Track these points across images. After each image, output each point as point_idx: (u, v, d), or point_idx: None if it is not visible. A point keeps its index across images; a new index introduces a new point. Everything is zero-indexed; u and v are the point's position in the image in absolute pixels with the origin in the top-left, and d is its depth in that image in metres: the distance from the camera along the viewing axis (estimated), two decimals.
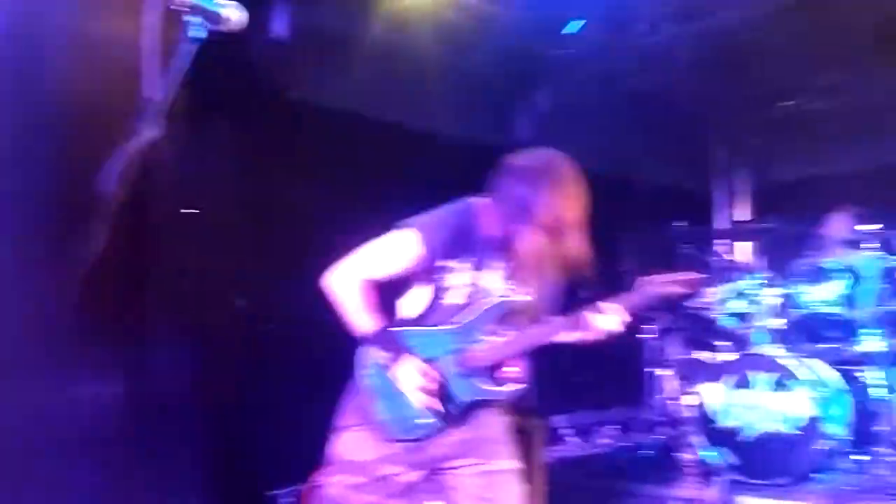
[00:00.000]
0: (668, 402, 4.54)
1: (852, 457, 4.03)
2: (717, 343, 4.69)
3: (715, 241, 4.87)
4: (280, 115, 3.78)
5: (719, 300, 4.54)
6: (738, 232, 5.77)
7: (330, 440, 2.16)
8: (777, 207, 5.58)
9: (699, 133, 6.64)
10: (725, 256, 4.72)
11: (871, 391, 4.05)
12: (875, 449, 3.93)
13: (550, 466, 3.43)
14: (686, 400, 4.17)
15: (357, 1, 4.10)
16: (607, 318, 2.04)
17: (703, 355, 4.56)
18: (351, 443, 2.12)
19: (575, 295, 2.20)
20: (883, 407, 3.93)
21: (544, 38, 4.97)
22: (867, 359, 4.20)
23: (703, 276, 2.12)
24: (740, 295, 4.51)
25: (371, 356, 2.12)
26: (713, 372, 4.10)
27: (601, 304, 2.05)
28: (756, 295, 4.38)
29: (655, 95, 5.68)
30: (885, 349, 4.14)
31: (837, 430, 3.87)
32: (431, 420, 2.05)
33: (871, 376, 4.10)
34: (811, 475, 3.86)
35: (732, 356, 4.25)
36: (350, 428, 2.14)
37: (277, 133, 3.77)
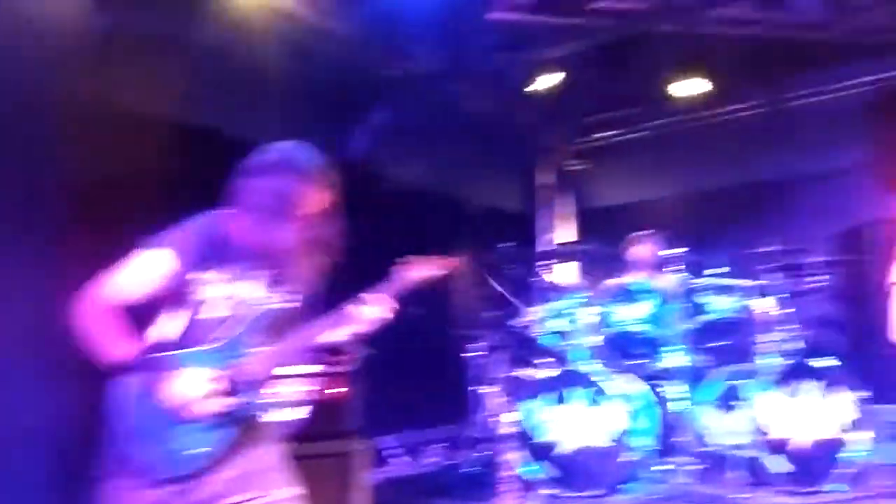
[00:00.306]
0: (491, 419, 4.65)
1: (658, 467, 4.34)
2: (537, 360, 4.89)
3: (537, 262, 5.07)
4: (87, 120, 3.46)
5: (540, 319, 4.73)
6: (559, 253, 6.05)
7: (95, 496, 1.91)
8: (596, 230, 5.91)
9: (525, 156, 6.95)
10: (547, 277, 4.93)
11: (674, 404, 4.36)
12: (677, 459, 4.25)
13: (376, 488, 3.39)
14: (507, 417, 4.28)
15: (190, 6, 3.91)
16: (372, 308, 2.04)
17: (525, 373, 4.71)
18: (115, 495, 1.89)
19: (341, 290, 2.16)
20: (684, 419, 4.24)
21: (379, 58, 5.00)
22: (671, 374, 4.53)
23: (460, 258, 2.18)
24: (560, 314, 4.73)
25: (129, 387, 1.90)
26: (533, 389, 4.24)
27: (363, 296, 2.05)
28: (574, 314, 4.60)
29: (485, 119, 5.88)
30: (688, 364, 4.49)
31: (646, 441, 4.13)
32: (204, 449, 1.88)
33: (675, 390, 4.42)
34: (621, 486, 4.09)
35: (551, 373, 4.42)
36: (112, 477, 1.90)
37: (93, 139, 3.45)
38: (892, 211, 5.24)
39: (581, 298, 4.80)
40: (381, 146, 5.11)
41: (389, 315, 2.08)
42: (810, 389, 3.98)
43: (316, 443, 2.77)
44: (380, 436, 4.57)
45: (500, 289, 4.91)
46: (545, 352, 4.81)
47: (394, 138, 5.11)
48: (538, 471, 4.09)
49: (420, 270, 2.13)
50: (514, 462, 4.11)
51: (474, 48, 5.03)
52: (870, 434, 3.89)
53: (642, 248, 5.38)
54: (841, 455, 3.86)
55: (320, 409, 2.85)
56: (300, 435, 2.28)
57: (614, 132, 6.64)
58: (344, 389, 2.02)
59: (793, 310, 4.40)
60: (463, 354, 4.99)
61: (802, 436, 3.89)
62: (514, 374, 4.68)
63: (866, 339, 5.36)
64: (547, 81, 5.84)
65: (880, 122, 5.47)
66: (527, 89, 5.81)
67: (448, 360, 5.02)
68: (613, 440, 4.03)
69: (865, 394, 3.98)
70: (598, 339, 4.59)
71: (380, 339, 2.26)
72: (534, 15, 4.78)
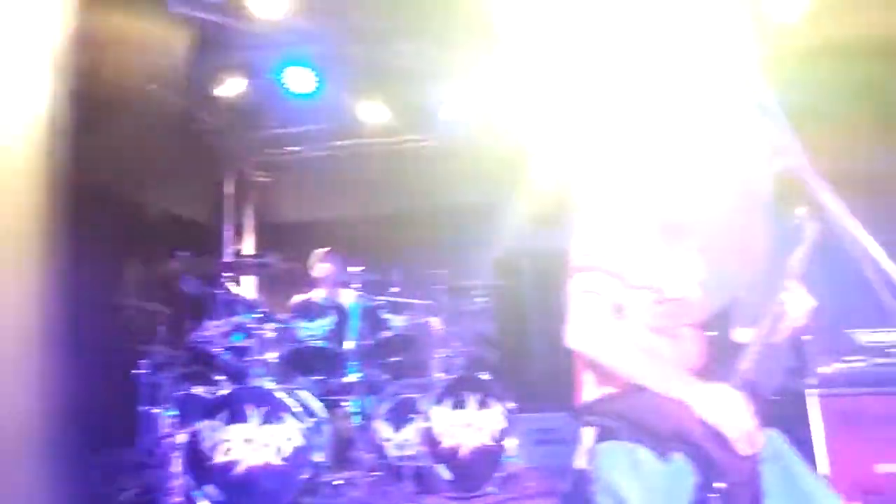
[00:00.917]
0: (162, 440, 4.31)
1: (333, 481, 4.38)
2: (215, 377, 4.66)
3: (219, 275, 4.85)
4: None
5: (220, 334, 4.53)
6: (241, 266, 5.86)
7: None
8: (280, 244, 5.83)
9: (212, 165, 6.65)
10: (229, 290, 4.73)
11: (351, 419, 4.46)
12: (353, 472, 4.34)
13: None
14: (179, 438, 3.99)
15: None
16: None
17: (201, 390, 4.45)
18: None
19: None
20: (360, 433, 4.35)
21: None
22: (348, 389, 4.63)
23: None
24: (240, 328, 4.58)
25: None
26: (210, 407, 4.02)
27: None
28: (255, 329, 4.48)
29: (173, 121, 5.53)
30: (364, 379, 4.63)
31: (321, 457, 4.14)
32: None
33: (352, 405, 4.52)
34: (300, 501, 4.05)
35: (229, 390, 4.24)
36: None
37: None
38: (541, 243, 5.99)
39: (260, 313, 4.71)
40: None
41: None
42: (471, 401, 4.34)
43: None
44: None
45: (177, 301, 4.60)
46: (223, 368, 4.60)
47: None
48: (210, 494, 3.86)
49: None
50: (185, 485, 3.84)
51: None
52: (516, 441, 4.36)
53: (324, 266, 5.46)
54: (498, 460, 4.27)
55: None
56: None
57: (298, 148, 6.66)
58: None
59: (453, 329, 4.81)
60: (134, 371, 4.57)
61: (466, 444, 4.23)
62: (190, 391, 4.39)
63: (517, 355, 6.04)
64: (232, 87, 5.68)
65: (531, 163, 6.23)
66: (214, 93, 5.59)
67: (117, 379, 4.56)
68: (289, 458, 3.98)
69: (512, 404, 4.46)
70: (277, 355, 4.51)
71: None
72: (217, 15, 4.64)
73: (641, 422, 1.84)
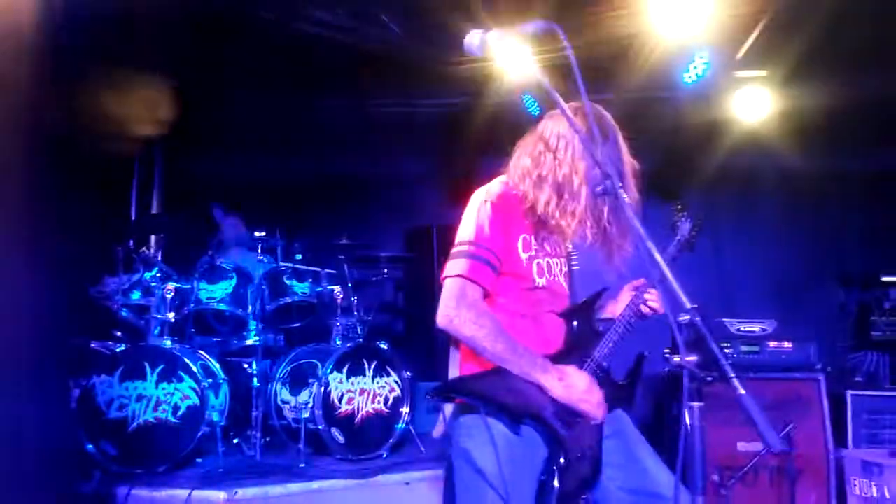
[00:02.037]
0: None
1: (230, 441, 4.46)
2: (116, 333, 4.65)
3: (125, 232, 4.79)
4: None
5: (122, 291, 4.50)
6: (146, 224, 5.77)
7: None
8: (187, 204, 5.76)
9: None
10: (131, 247, 4.69)
11: (250, 380, 4.52)
12: (248, 433, 4.43)
13: None
14: (74, 392, 3.98)
15: None
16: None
17: (101, 344, 4.42)
18: None
19: None
20: (258, 395, 4.43)
21: None
22: (249, 351, 4.69)
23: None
24: (140, 286, 4.56)
25: None
26: (108, 363, 4.01)
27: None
28: (155, 287, 4.47)
29: None
30: (265, 343, 4.70)
31: (217, 416, 4.20)
32: None
33: (251, 367, 4.58)
34: (195, 460, 4.11)
35: (126, 347, 4.23)
36: None
37: None
38: (449, 218, 6.14)
39: (162, 272, 4.70)
40: None
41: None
42: (369, 369, 4.48)
43: None
44: None
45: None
46: (123, 325, 4.59)
47: None
48: (104, 449, 3.87)
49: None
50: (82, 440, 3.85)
51: None
52: (408, 408, 4.52)
53: (230, 228, 5.46)
54: (392, 426, 4.43)
55: None
56: None
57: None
58: None
59: (356, 298, 4.90)
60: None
61: (361, 410, 4.37)
62: (91, 346, 4.36)
63: (421, 325, 6.21)
64: None
65: (444, 140, 6.34)
66: None
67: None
68: (183, 416, 4.03)
69: (408, 373, 4.62)
70: (177, 315, 4.52)
71: None
72: None
73: (498, 399, 2.02)
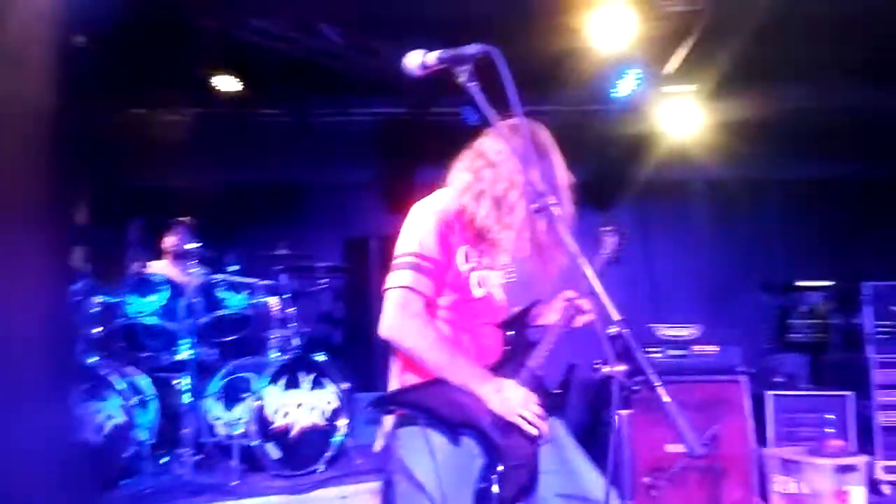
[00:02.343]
0: None
1: (159, 459, 4.35)
2: None
3: None
4: None
5: None
6: (75, 237, 5.58)
7: None
8: (117, 213, 5.58)
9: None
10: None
11: (181, 397, 4.42)
12: (180, 451, 4.33)
13: None
14: None
15: None
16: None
17: None
18: None
19: None
20: (190, 411, 4.34)
21: None
22: (180, 366, 4.58)
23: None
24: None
25: None
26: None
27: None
28: (80, 301, 4.33)
29: None
30: (197, 357, 4.59)
31: (145, 435, 4.10)
32: None
33: (182, 383, 4.47)
34: (119, 482, 4.00)
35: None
36: None
37: None
38: (389, 228, 6.14)
39: (87, 285, 4.55)
40: None
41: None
42: (305, 381, 4.44)
43: None
44: None
45: None
46: None
47: None
48: None
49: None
50: None
51: None
52: (346, 420, 4.50)
53: (166, 239, 5.32)
54: (329, 439, 4.40)
55: None
56: None
57: (143, 111, 6.35)
58: None
59: (294, 309, 4.86)
60: None
61: (298, 424, 4.33)
62: None
63: (359, 336, 6.20)
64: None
65: (383, 150, 6.35)
66: None
67: None
68: (109, 435, 3.92)
69: (346, 385, 4.60)
70: (102, 330, 4.39)
71: None
72: None
73: (436, 410, 2.05)
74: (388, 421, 2.17)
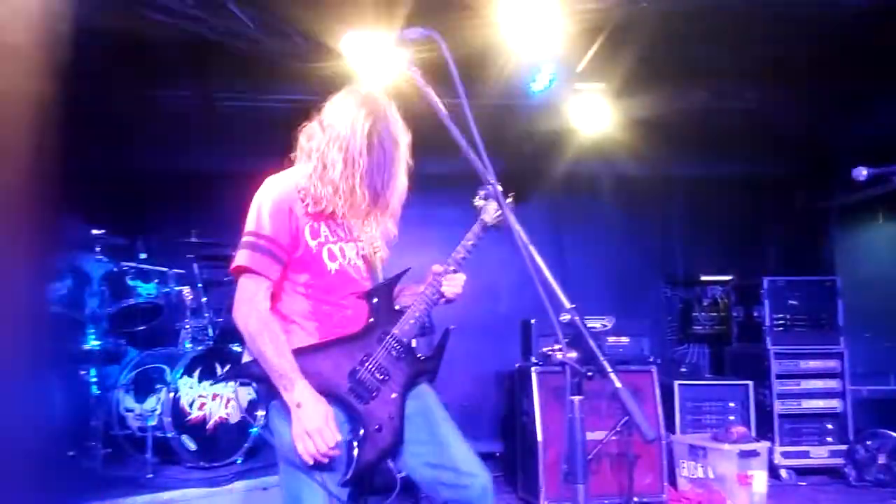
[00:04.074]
0: None
1: (69, 452, 4.15)
2: None
3: None
4: None
5: None
6: None
7: None
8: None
9: None
10: None
11: (89, 388, 4.24)
12: (90, 443, 4.14)
13: None
14: None
15: None
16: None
17: None
18: None
19: None
20: (100, 403, 4.16)
21: None
22: (88, 356, 4.38)
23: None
24: None
25: None
26: None
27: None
28: None
29: None
30: (105, 347, 4.41)
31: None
32: None
33: (91, 373, 4.29)
34: (21, 475, 3.78)
35: None
36: None
37: None
38: None
39: None
40: None
41: None
42: (220, 372, 4.33)
43: None
44: None
45: None
46: None
47: None
48: None
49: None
50: None
51: None
52: (263, 412, 4.40)
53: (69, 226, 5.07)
54: (247, 431, 4.31)
55: None
56: None
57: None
58: None
59: (205, 299, 4.72)
60: None
61: (214, 415, 4.21)
62: None
63: None
64: None
65: (294, 137, 6.22)
66: None
67: None
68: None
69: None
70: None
71: None
72: None
73: None
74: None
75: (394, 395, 2.22)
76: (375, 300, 2.31)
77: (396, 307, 2.33)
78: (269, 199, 2.23)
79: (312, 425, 2.04)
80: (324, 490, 2.07)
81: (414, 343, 2.32)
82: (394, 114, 2.37)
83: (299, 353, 2.14)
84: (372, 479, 2.31)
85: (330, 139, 2.28)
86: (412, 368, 2.28)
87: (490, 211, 2.37)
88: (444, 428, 2.30)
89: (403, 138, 2.37)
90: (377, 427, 2.16)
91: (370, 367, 2.20)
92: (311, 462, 2.05)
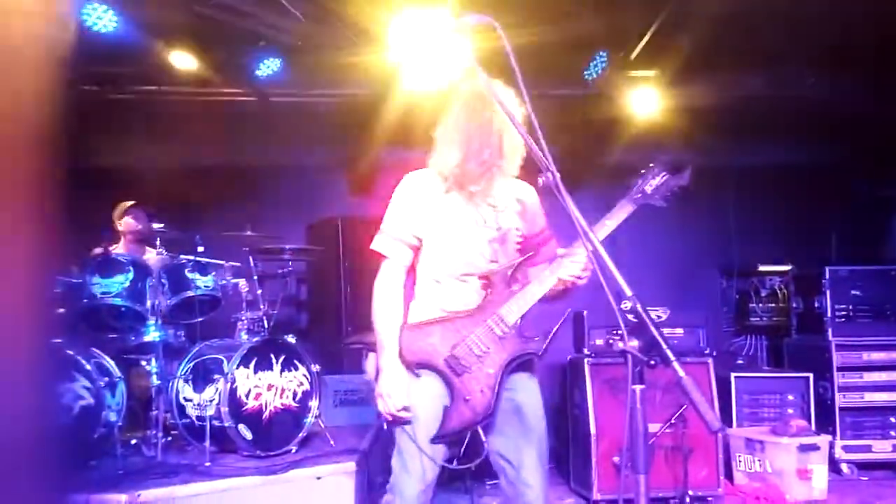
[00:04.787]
0: None
1: (130, 440, 4.28)
2: None
3: None
4: None
5: None
6: None
7: None
8: (79, 192, 5.41)
9: None
10: None
11: (150, 379, 4.34)
12: (148, 432, 4.26)
13: None
14: None
15: None
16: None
17: None
18: None
19: None
20: (160, 393, 4.26)
21: None
22: (147, 348, 4.48)
23: None
24: None
25: None
26: None
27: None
28: None
29: None
30: (165, 339, 4.50)
31: (113, 416, 4.02)
32: None
33: (151, 365, 4.39)
34: (90, 462, 3.91)
35: None
36: None
37: None
38: (354, 210, 6.10)
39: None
40: None
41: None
42: (276, 363, 4.39)
43: None
44: None
45: None
46: None
47: None
48: None
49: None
50: None
51: None
52: (316, 402, 4.47)
53: (128, 219, 5.21)
54: (301, 420, 4.37)
55: None
56: None
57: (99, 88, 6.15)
58: None
59: (260, 291, 4.79)
60: None
61: (269, 405, 4.28)
62: None
63: (326, 318, 6.14)
64: None
65: (349, 131, 6.27)
66: None
67: None
68: (78, 416, 3.82)
69: (317, 367, 4.56)
70: (63, 310, 4.27)
71: None
72: None
73: (401, 353, 2.44)
74: (370, 357, 2.52)
75: (490, 371, 2.37)
76: (494, 280, 2.45)
77: (515, 287, 2.45)
78: (401, 190, 2.52)
79: (384, 390, 2.37)
80: (413, 442, 2.36)
81: (518, 322, 2.42)
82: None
83: (413, 328, 2.43)
84: (463, 444, 2.48)
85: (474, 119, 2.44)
86: (515, 347, 2.41)
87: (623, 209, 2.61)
88: (527, 433, 2.46)
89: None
90: (466, 398, 2.36)
91: (470, 343, 2.38)
92: (389, 419, 2.39)
